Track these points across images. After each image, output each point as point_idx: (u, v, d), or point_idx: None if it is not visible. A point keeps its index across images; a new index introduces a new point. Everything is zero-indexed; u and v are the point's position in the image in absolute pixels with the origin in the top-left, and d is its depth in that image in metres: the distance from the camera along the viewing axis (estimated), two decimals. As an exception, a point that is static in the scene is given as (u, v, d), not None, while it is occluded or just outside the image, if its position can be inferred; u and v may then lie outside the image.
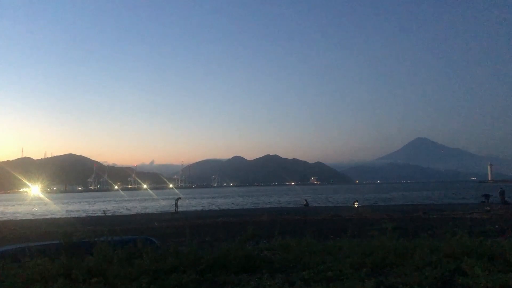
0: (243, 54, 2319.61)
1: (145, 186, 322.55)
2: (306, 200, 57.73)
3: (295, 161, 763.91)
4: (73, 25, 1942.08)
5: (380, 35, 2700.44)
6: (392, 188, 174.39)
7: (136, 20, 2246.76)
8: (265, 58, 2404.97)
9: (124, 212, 56.47)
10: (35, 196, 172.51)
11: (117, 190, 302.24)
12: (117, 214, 51.54)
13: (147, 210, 57.89)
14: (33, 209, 72.04)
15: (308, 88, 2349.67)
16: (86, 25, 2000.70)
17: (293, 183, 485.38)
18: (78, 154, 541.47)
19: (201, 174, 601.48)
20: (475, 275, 7.40)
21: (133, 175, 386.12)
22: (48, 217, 46.67)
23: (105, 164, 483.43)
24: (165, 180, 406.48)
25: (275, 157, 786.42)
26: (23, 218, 44.75)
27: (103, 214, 45.01)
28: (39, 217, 46.09)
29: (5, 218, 45.57)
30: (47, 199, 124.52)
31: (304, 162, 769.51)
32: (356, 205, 46.41)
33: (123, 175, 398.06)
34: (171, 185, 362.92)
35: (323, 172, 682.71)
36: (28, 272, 7.84)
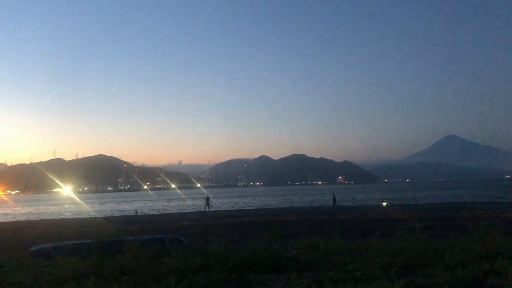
0: (271, 53, 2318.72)
1: (173, 186, 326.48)
2: (334, 194, 56.25)
3: (322, 160, 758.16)
4: (92, 26, 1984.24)
5: (408, 32, 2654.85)
6: (421, 187, 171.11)
7: (173, 20, 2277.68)
8: (295, 57, 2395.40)
9: (153, 211, 57.40)
10: (67, 196, 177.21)
11: (146, 190, 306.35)
12: (146, 213, 52.42)
13: (176, 210, 58.67)
14: (65, 209, 74.08)
15: (336, 87, 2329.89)
16: (108, 26, 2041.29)
17: (320, 183, 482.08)
18: (109, 155, 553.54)
19: (227, 174, 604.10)
20: (509, 276, 7.21)
21: (162, 175, 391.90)
22: (79, 216, 47.80)
23: (134, 164, 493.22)
24: (193, 179, 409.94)
25: (302, 156, 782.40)
26: (56, 218, 46.05)
27: (135, 214, 45.84)
28: (71, 217, 47.37)
29: (39, 218, 46.97)
30: (78, 199, 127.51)
31: (331, 161, 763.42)
32: (384, 204, 45.75)
33: (152, 175, 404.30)
34: (198, 185, 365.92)
35: (351, 171, 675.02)
36: (61, 271, 8.10)
